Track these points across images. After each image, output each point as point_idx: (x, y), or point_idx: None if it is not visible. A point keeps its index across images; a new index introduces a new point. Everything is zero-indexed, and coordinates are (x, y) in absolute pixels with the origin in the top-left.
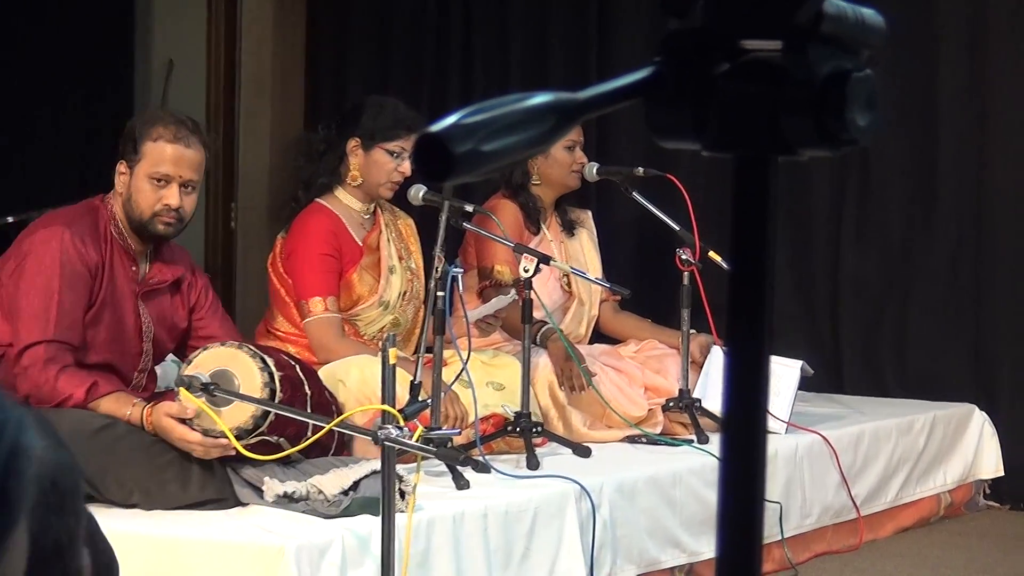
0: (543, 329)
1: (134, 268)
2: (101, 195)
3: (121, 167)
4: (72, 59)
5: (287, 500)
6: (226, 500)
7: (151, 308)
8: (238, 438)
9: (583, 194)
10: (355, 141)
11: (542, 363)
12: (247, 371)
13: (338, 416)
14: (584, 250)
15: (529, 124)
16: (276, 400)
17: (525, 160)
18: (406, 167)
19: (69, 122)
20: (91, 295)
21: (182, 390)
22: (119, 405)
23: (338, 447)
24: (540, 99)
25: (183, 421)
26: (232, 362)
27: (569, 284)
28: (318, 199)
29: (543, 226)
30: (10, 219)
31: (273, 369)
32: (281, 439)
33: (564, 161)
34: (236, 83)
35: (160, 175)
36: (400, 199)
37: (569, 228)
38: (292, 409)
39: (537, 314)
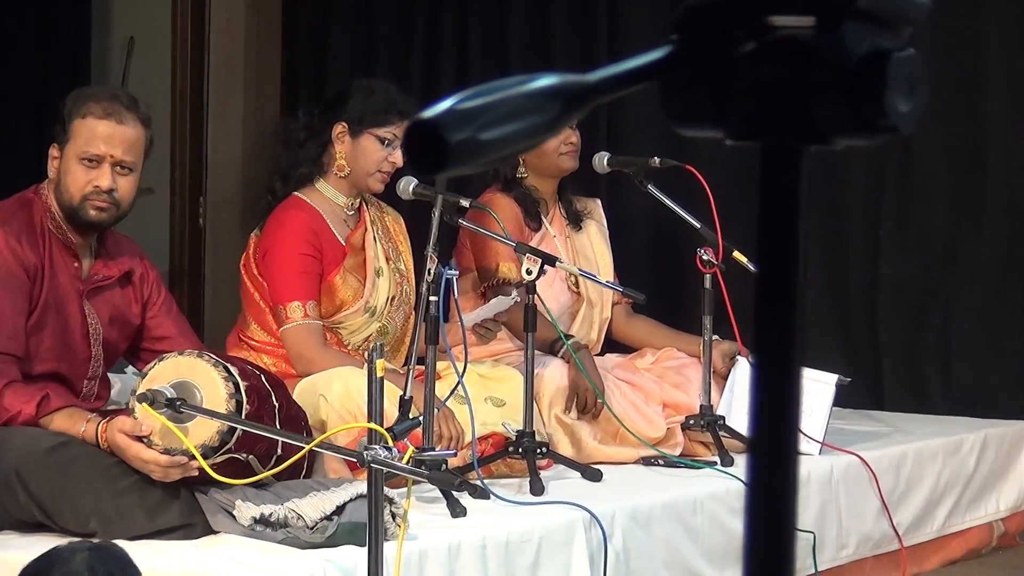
0: (568, 343)
1: (76, 264)
2: (36, 186)
3: (53, 151)
4: (22, 36)
5: (263, 525)
6: (194, 527)
7: (99, 308)
8: (204, 457)
9: (590, 183)
10: (342, 126)
11: (547, 375)
12: (210, 382)
13: (310, 431)
14: (593, 244)
15: (532, 110)
16: (243, 413)
17: (527, 150)
18: (398, 157)
19: (16, 107)
20: (31, 299)
21: (142, 406)
22: (72, 421)
23: (308, 467)
24: (544, 82)
25: (139, 439)
26: (192, 373)
27: (577, 284)
28: (297, 192)
29: (544, 221)
30: None
31: (238, 379)
32: (250, 456)
33: (551, 145)
34: (205, 64)
35: (90, 155)
36: (388, 193)
37: (575, 220)
38: (264, 427)
39: (546, 318)
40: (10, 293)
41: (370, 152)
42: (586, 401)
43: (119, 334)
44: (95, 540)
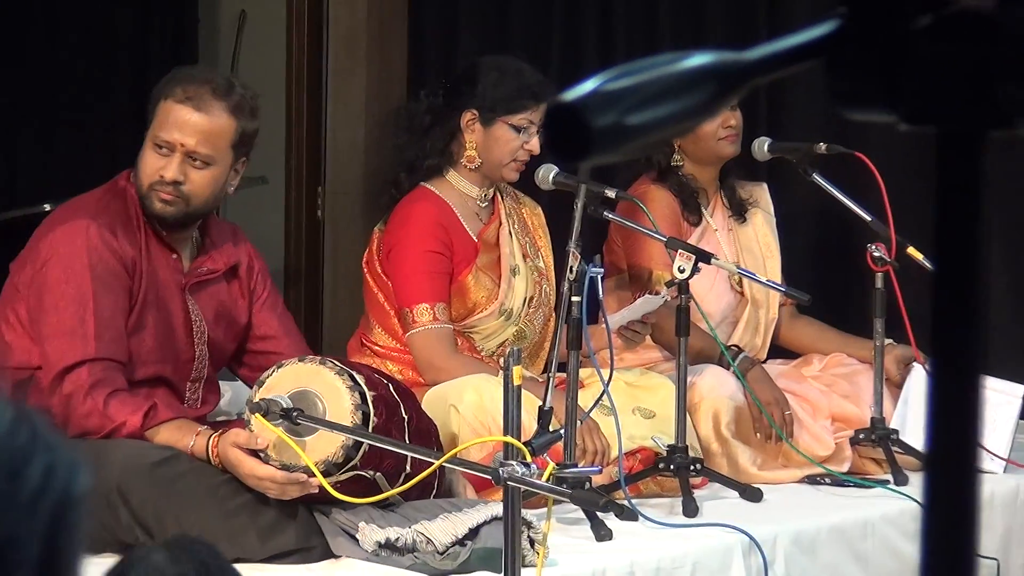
0: (740, 357)
1: (175, 256)
2: (129, 170)
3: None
4: (120, 12)
5: (389, 550)
6: (311, 550)
7: (203, 304)
8: (326, 474)
9: (749, 172)
10: (471, 114)
11: (702, 384)
12: (333, 392)
13: (440, 446)
14: (759, 236)
15: (685, 91)
16: (370, 426)
17: (680, 135)
18: (534, 144)
19: (120, 87)
20: (131, 297)
21: (256, 417)
22: (181, 434)
23: (441, 487)
24: (697, 61)
25: (254, 453)
26: (314, 381)
27: (740, 283)
28: (424, 183)
29: (704, 213)
30: (47, 207)
31: (365, 388)
32: (377, 474)
33: (708, 130)
34: (323, 40)
35: (161, 140)
36: (526, 182)
37: (739, 211)
38: (393, 441)
39: (700, 326)
40: (109, 292)
41: (504, 141)
42: (773, 416)
43: (225, 333)
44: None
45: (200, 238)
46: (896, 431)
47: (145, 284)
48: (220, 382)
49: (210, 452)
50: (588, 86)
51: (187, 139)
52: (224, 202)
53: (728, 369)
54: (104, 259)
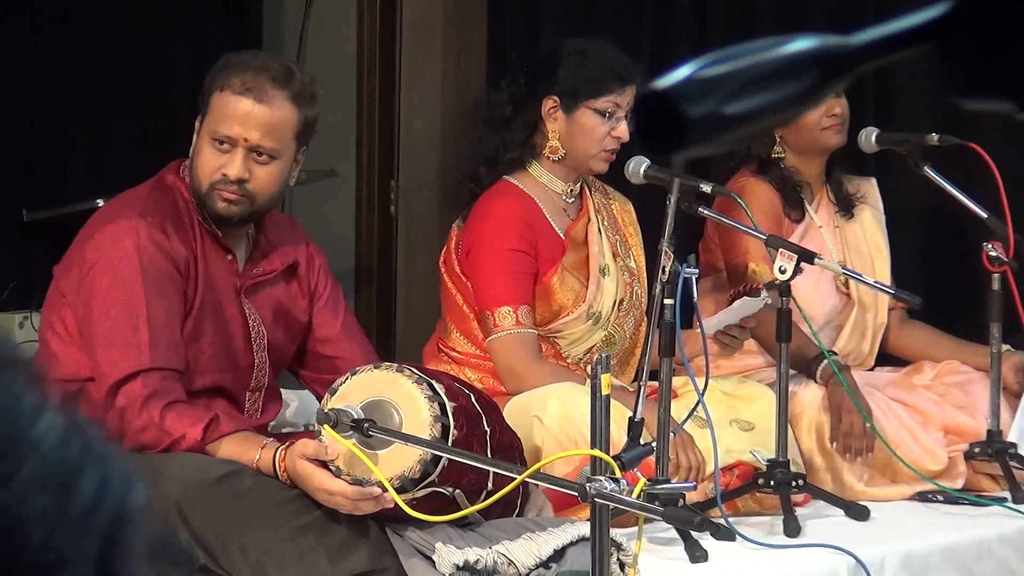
0: (822, 366)
1: (231, 257)
2: (177, 163)
3: (197, 124)
4: None
5: (468, 572)
6: (385, 572)
7: (260, 306)
8: (402, 490)
9: (855, 165)
10: (552, 101)
11: (805, 394)
12: (411, 402)
13: (524, 461)
14: (867, 235)
15: (786, 78)
16: (450, 440)
17: (781, 125)
18: (622, 130)
19: (176, 75)
20: (186, 301)
21: (326, 428)
22: (245, 447)
23: (524, 505)
24: (800, 45)
25: (324, 466)
26: (390, 390)
27: (847, 284)
28: (506, 177)
29: (808, 209)
30: (100, 202)
31: (444, 399)
32: (456, 491)
33: (811, 119)
34: (397, 24)
35: (221, 136)
36: (615, 175)
37: (846, 207)
38: (473, 455)
39: (803, 329)
40: (163, 296)
41: (589, 128)
42: (852, 428)
43: (285, 334)
44: None
45: (255, 235)
46: (1014, 444)
47: (201, 287)
48: (286, 391)
49: (277, 466)
50: (682, 73)
51: (250, 133)
52: (290, 197)
53: (814, 379)
54: (156, 261)
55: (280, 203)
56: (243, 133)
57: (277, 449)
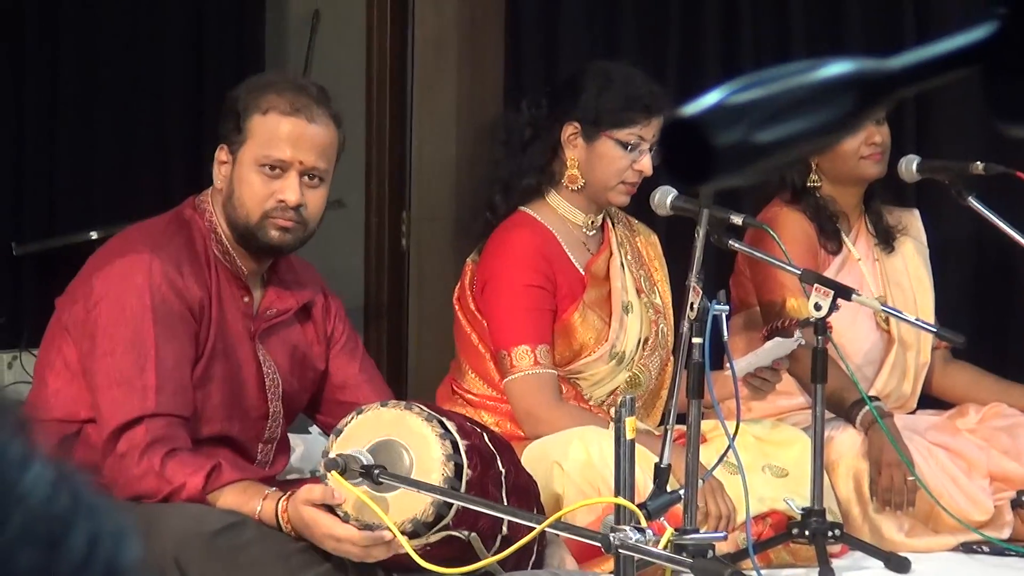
0: (862, 412)
1: (247, 299)
2: (193, 198)
3: (221, 154)
4: (182, 10)
5: None
6: None
7: (275, 351)
8: (415, 534)
9: (895, 195)
10: (573, 127)
11: (843, 440)
12: (421, 441)
13: (541, 507)
14: (909, 269)
15: (821, 104)
16: (464, 480)
17: (816, 153)
18: (645, 164)
19: (177, 95)
20: (197, 345)
21: (333, 475)
22: (246, 497)
23: (540, 555)
24: (836, 69)
25: (331, 511)
26: (399, 429)
27: (887, 320)
28: (523, 207)
29: (846, 241)
30: (93, 235)
31: (456, 437)
32: (472, 534)
33: (849, 148)
34: (408, 43)
35: (273, 160)
36: (639, 206)
37: (886, 239)
38: (486, 502)
39: (839, 366)
40: (173, 339)
41: (609, 160)
42: (892, 482)
43: (300, 382)
44: None
45: (269, 274)
46: None
47: (214, 331)
48: (291, 435)
49: (280, 517)
50: (711, 99)
51: (305, 156)
52: None
53: (853, 424)
54: (168, 300)
55: None
56: (297, 155)
57: (280, 499)
